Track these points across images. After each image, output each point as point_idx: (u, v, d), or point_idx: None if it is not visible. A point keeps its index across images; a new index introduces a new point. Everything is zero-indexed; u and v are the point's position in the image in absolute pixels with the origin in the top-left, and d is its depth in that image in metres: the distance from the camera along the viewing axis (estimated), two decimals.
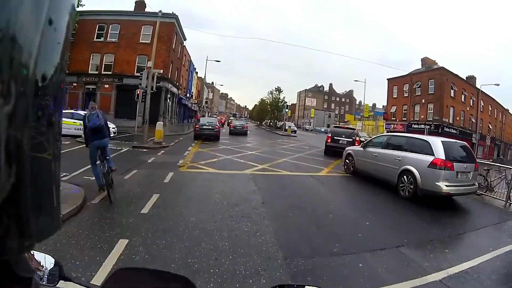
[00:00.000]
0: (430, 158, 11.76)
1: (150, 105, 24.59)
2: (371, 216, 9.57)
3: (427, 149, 12.14)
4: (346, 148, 18.41)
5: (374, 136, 17.43)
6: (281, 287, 1.73)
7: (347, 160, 17.35)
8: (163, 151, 20.24)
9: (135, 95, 23.98)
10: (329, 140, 26.57)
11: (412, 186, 12.00)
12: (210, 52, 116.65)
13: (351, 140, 25.39)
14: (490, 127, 66.50)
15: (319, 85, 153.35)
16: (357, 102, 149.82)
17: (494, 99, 67.60)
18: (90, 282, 1.55)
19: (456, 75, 58.40)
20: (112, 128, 23.23)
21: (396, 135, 15.37)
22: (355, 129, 29.44)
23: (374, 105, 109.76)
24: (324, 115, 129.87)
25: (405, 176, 12.43)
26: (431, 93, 56.89)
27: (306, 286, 2.16)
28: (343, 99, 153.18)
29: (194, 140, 29.15)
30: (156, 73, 24.27)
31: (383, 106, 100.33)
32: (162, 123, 24.26)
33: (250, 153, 22.77)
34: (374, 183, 14.40)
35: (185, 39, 56.95)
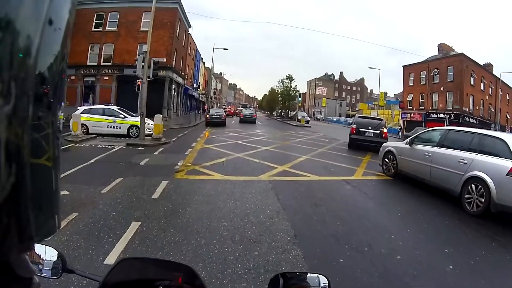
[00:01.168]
0: (509, 164, 8.69)
1: (153, 96, 24.29)
2: (451, 251, 6.58)
3: (503, 151, 9.12)
4: (384, 145, 15.02)
5: (424, 131, 14.13)
6: (283, 275, 1.51)
7: (386, 159, 14.10)
8: (161, 149, 17.21)
9: (135, 86, 21.24)
10: (353, 132, 23.48)
11: (483, 200, 8.96)
12: (216, 43, 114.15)
13: (378, 132, 22.67)
14: (508, 117, 63.90)
15: (329, 73, 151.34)
16: (369, 91, 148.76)
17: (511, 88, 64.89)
18: (93, 273, 1.51)
19: (476, 62, 55.47)
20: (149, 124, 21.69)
21: (456, 130, 11.85)
22: (382, 119, 25.76)
23: (385, 93, 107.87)
24: (335, 104, 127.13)
25: (473, 186, 9.36)
26: (450, 81, 53.62)
27: (308, 274, 1.63)
28: (354, 88, 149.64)
29: (202, 131, 28.00)
30: (153, 59, 21.04)
31: (394, 94, 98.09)
32: (161, 115, 21.34)
33: (264, 148, 19.46)
34: (425, 189, 11.41)
35: (190, 27, 54.34)
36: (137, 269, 1.43)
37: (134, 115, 23.26)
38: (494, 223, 8.47)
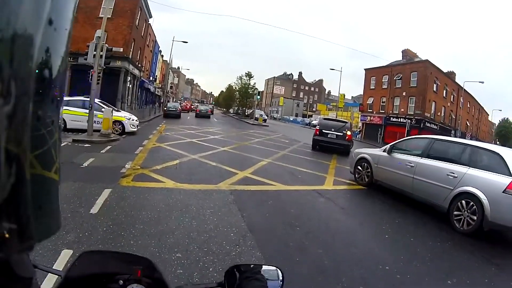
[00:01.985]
0: (506, 180, 8.08)
1: (107, 88, 23.90)
2: (454, 282, 5.85)
3: (499, 166, 8.52)
4: (356, 151, 14.01)
5: (405, 138, 13.23)
6: (237, 267, 1.57)
7: (359, 167, 13.13)
8: (109, 147, 15.37)
9: (90, 77, 19.40)
10: (317, 133, 23.95)
11: (475, 217, 8.37)
12: (177, 37, 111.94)
13: (342, 134, 23.09)
14: (468, 124, 66.67)
15: (288, 73, 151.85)
16: (326, 92, 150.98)
17: (472, 96, 68.07)
18: (55, 268, 1.63)
19: (439, 69, 56.98)
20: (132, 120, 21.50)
21: (443, 140, 10.92)
22: (347, 122, 25.92)
23: (343, 95, 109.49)
24: (292, 104, 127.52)
25: (464, 202, 8.73)
26: (413, 86, 54.52)
27: (263, 266, 1.66)
28: (312, 88, 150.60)
29: (156, 127, 26.82)
30: (106, 46, 19.40)
31: (352, 97, 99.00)
32: (111, 109, 19.16)
33: (221, 149, 17.95)
34: (404, 202, 10.64)
35: (150, 17, 52.41)
36: (97, 262, 1.40)
37: (116, 109, 21.87)
38: (486, 243, 8.04)
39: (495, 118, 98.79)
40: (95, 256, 1.49)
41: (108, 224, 6.42)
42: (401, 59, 64.05)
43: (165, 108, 46.46)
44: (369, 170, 12.65)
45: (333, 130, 23.24)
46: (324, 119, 27.49)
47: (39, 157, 0.64)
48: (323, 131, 23.50)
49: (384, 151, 12.23)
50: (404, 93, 55.88)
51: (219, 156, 15.44)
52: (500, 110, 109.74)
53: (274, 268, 1.61)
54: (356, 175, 13.21)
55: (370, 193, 11.85)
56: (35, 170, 0.62)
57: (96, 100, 21.43)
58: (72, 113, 19.50)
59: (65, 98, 17.17)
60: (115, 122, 20.31)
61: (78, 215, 6.74)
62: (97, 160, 12.26)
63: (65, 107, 19.01)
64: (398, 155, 11.42)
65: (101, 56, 18.49)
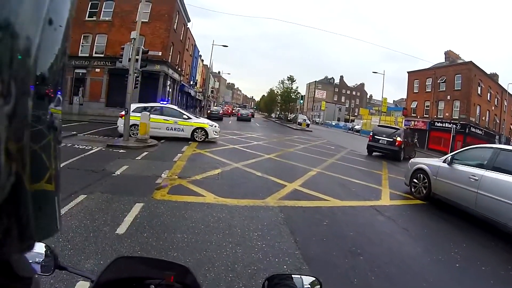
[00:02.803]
0: None
1: (147, 92, 23.69)
2: None
3: None
4: (412, 161, 12.64)
5: (466, 148, 11.36)
6: (274, 277, 1.59)
7: (415, 180, 11.75)
8: (146, 153, 14.27)
9: (127, 80, 18.54)
10: (370, 139, 25.30)
11: None
12: (216, 42, 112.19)
13: (392, 140, 23.62)
14: None
15: (329, 77, 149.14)
16: (368, 96, 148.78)
17: None
18: (87, 271, 1.51)
19: (483, 71, 53.34)
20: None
21: (511, 150, 9.26)
22: (399, 128, 26.54)
23: (386, 99, 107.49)
24: (334, 108, 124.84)
25: None
26: (458, 89, 51.36)
27: (297, 276, 1.64)
28: (353, 92, 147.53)
29: None
30: (142, 48, 18.60)
31: (393, 101, 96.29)
32: (149, 113, 18.05)
33: (266, 157, 16.55)
34: (468, 220, 9.20)
35: (189, 21, 51.53)
36: (130, 267, 1.41)
37: (197, 116, 21.60)
38: None
39: None
40: (127, 261, 1.48)
41: (136, 249, 5.29)
42: (443, 61, 61.39)
43: (208, 112, 51.76)
44: (426, 182, 11.27)
45: (384, 136, 24.00)
46: (378, 126, 28.69)
47: (39, 157, 0.63)
48: (376, 137, 24.52)
49: (444, 162, 10.79)
50: (448, 97, 52.95)
51: (264, 165, 14.12)
52: None
53: (313, 278, 1.59)
54: (413, 188, 11.84)
55: (431, 210, 10.36)
56: (35, 170, 0.61)
57: (174, 106, 20.93)
58: (150, 120, 18.51)
59: (142, 105, 20.52)
60: (198, 129, 20.11)
61: (102, 235, 5.69)
62: (131, 168, 11.18)
63: (140, 114, 18.55)
64: (460, 167, 9.98)
65: (136, 60, 17.51)
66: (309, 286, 1.56)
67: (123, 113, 18.04)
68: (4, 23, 0.52)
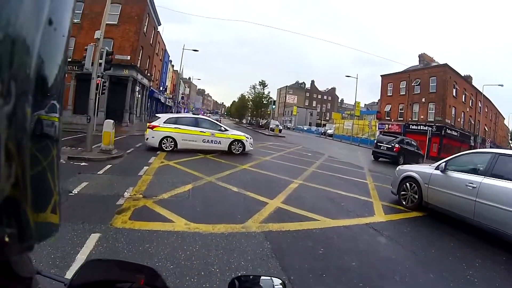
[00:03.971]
0: None
1: (115, 98, 23.41)
2: None
3: None
4: (400, 168, 11.94)
5: (460, 154, 10.61)
6: (238, 278, 1.59)
7: (404, 187, 11.11)
8: (109, 166, 12.70)
9: (96, 86, 17.26)
10: (375, 146, 30.12)
11: None
12: (187, 47, 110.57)
13: (390, 146, 27.69)
14: (486, 129, 64.85)
15: (300, 82, 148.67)
16: (339, 100, 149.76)
17: (489, 100, 66.22)
18: (59, 275, 1.43)
19: (458, 73, 54.64)
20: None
21: (510, 155, 8.75)
22: (398, 137, 31.03)
23: (359, 103, 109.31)
24: (306, 113, 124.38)
25: None
26: (433, 92, 52.22)
27: (262, 276, 1.70)
28: (325, 97, 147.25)
29: None
30: (106, 49, 16.84)
31: (365, 104, 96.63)
32: (112, 121, 16.27)
33: (242, 167, 15.19)
34: (467, 230, 8.73)
35: (159, 24, 50.06)
36: (101, 270, 1.41)
37: (224, 128, 20.45)
38: None
39: (511, 122, 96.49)
40: (99, 264, 1.49)
41: None
42: (417, 64, 62.17)
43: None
44: (415, 189, 10.70)
45: (384, 143, 28.56)
46: (383, 134, 34.15)
47: (39, 158, 0.64)
48: (378, 144, 29.37)
49: (437, 168, 10.14)
50: (423, 99, 53.66)
51: (240, 177, 12.80)
52: None
53: (278, 280, 1.60)
54: (402, 197, 11.15)
55: (430, 223, 9.51)
56: (34, 171, 0.62)
57: (213, 118, 20.36)
58: (184, 132, 18.48)
59: (174, 115, 20.11)
60: (235, 141, 19.79)
61: (47, 283, 4.14)
62: (91, 185, 9.65)
63: (174, 125, 18.52)
64: (455, 174, 9.42)
65: (100, 63, 16.01)
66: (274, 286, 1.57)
67: (155, 123, 18.23)
68: (4, 24, 0.52)
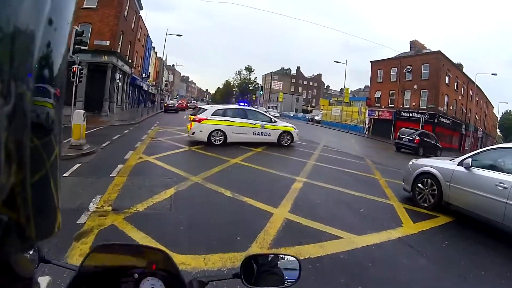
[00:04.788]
0: None
1: (94, 86, 22.64)
2: None
3: None
4: (414, 163, 10.55)
5: (487, 148, 9.31)
6: (254, 257, 1.58)
7: (420, 185, 9.80)
8: (79, 165, 10.55)
9: (71, 73, 16.93)
10: (397, 138, 33.51)
11: None
12: (170, 37, 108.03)
13: (411, 138, 30.39)
14: (477, 118, 65.63)
15: (285, 68, 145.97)
16: (325, 86, 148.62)
17: (480, 89, 66.00)
18: (69, 263, 1.53)
19: (451, 61, 54.06)
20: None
21: None
22: (418, 130, 34.32)
23: (348, 89, 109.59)
24: (292, 99, 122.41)
25: None
26: (425, 79, 51.43)
27: (281, 256, 1.65)
28: (310, 83, 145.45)
29: (147, 130, 22.05)
30: (75, 29, 14.85)
31: (351, 91, 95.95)
32: (83, 112, 13.64)
33: (233, 161, 13.27)
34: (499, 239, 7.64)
35: (141, 8, 47.76)
36: (111, 256, 1.39)
37: (274, 119, 20.11)
38: None
39: (500, 111, 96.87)
40: (109, 249, 1.43)
41: None
42: (409, 50, 61.15)
43: (165, 105, 56.01)
44: (434, 188, 9.40)
45: (406, 135, 31.20)
46: (404, 128, 34.07)
47: (39, 158, 0.63)
48: (400, 136, 31.91)
49: (460, 164, 8.88)
50: (415, 86, 52.72)
51: (232, 176, 10.91)
52: (507, 103, 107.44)
53: (293, 258, 1.60)
54: (417, 195, 9.85)
55: (466, 234, 7.97)
56: (34, 171, 0.61)
57: (261, 109, 21.13)
58: (233, 124, 17.78)
59: (222, 107, 19.38)
60: (284, 132, 19.41)
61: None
62: None
63: (223, 117, 17.82)
64: (482, 172, 8.27)
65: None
66: (291, 265, 1.56)
67: (202, 116, 17.34)
68: (4, 23, 0.51)
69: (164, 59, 65.50)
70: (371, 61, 64.40)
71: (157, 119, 33.11)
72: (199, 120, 17.17)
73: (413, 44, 61.44)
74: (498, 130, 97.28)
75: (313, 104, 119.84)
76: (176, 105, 58.12)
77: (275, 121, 19.42)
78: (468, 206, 8.46)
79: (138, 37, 50.63)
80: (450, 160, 9.59)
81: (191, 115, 18.73)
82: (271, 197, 8.77)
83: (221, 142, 17.31)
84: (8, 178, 0.54)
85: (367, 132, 55.93)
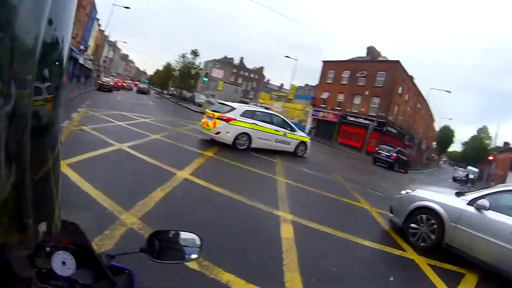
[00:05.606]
0: None
1: None
2: None
3: None
4: (412, 194, 9.00)
5: (504, 189, 7.86)
6: (158, 233, 1.67)
7: (418, 220, 8.35)
8: None
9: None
10: (375, 152, 36.06)
11: None
12: (115, 10, 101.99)
13: (388, 155, 33.97)
14: (421, 130, 69.10)
15: (229, 57, 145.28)
16: (266, 80, 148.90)
17: (427, 104, 69.26)
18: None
19: (406, 72, 55.40)
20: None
21: None
22: (396, 148, 36.44)
23: (282, 85, 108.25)
24: (231, 89, 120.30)
25: None
26: (379, 86, 51.69)
27: (182, 233, 1.78)
28: (252, 75, 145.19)
29: (74, 111, 17.11)
30: None
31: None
32: None
33: (181, 177, 9.85)
34: None
35: None
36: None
37: (293, 127, 19.10)
38: None
39: (440, 126, 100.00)
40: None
41: None
42: (365, 55, 61.65)
43: (100, 82, 50.57)
44: (435, 227, 8.09)
45: (384, 151, 34.60)
46: (383, 145, 37.29)
47: (39, 158, 0.64)
48: (379, 151, 35.28)
49: (470, 204, 7.67)
50: (367, 92, 52.75)
51: (189, 203, 7.81)
52: (451, 119, 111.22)
53: (193, 235, 1.72)
54: (411, 233, 8.44)
55: None
56: (34, 171, 0.62)
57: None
58: (260, 129, 16.77)
59: (251, 108, 18.42)
60: (301, 143, 18.92)
61: None
62: None
63: (251, 120, 16.66)
64: (497, 216, 7.21)
65: None
66: (191, 242, 1.68)
67: (231, 115, 15.88)
68: (4, 23, 0.52)
69: (107, 33, 61.16)
70: (323, 61, 64.25)
71: (88, 98, 28.47)
72: (227, 120, 15.75)
73: (370, 50, 61.71)
74: (434, 143, 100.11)
75: (251, 97, 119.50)
76: (111, 83, 53.24)
77: (295, 130, 18.62)
78: (477, 253, 7.36)
79: (84, 3, 48.13)
80: (456, 193, 8.53)
81: (212, 111, 16.85)
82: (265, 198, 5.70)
83: (245, 147, 16.25)
84: (8, 178, 0.54)
85: (310, 133, 53.65)
